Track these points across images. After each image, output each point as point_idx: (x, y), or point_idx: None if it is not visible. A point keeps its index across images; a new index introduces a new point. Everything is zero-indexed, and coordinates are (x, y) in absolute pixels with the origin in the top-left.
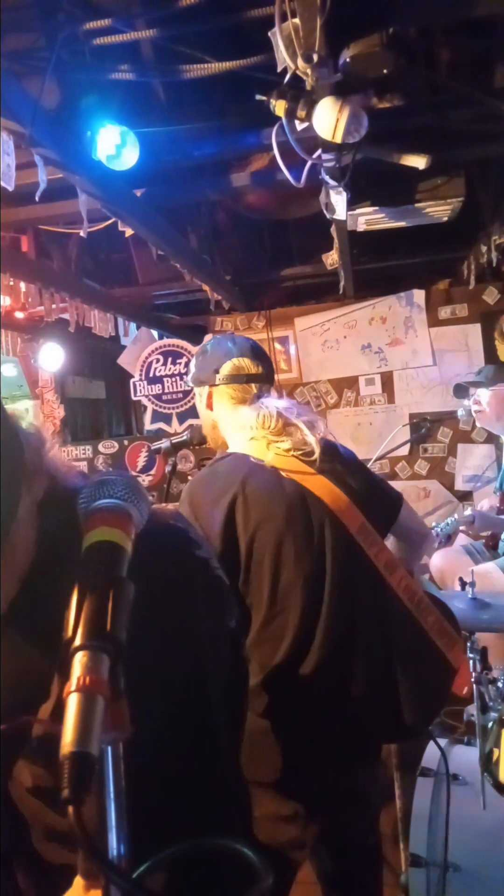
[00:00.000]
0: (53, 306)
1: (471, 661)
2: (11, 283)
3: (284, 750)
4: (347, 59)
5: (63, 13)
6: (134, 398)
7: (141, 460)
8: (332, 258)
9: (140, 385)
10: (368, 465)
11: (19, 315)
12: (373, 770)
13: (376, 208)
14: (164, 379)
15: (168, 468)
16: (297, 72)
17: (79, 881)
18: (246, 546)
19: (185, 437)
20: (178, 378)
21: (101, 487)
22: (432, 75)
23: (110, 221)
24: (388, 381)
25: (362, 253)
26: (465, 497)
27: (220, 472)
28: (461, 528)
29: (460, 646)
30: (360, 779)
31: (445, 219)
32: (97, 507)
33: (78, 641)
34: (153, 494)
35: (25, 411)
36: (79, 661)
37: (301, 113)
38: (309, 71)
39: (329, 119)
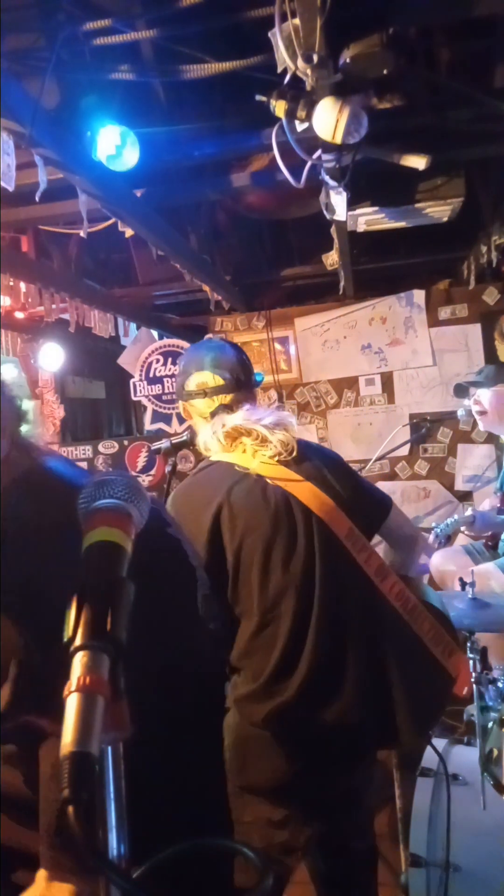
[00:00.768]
0: (53, 306)
1: (471, 661)
2: (11, 283)
3: (276, 756)
4: (347, 60)
5: (63, 13)
6: (134, 398)
7: (141, 460)
8: (332, 258)
9: (140, 385)
10: (368, 465)
11: (19, 315)
12: (366, 774)
13: (376, 208)
14: (164, 379)
15: (168, 468)
16: (297, 72)
17: (42, 874)
18: (233, 555)
19: (185, 438)
20: None
21: (101, 487)
22: (432, 75)
23: (110, 221)
24: (388, 381)
25: (362, 253)
26: (465, 497)
27: (204, 480)
28: (461, 528)
29: (459, 654)
30: (353, 783)
31: (445, 219)
32: (97, 507)
33: (78, 641)
34: (153, 494)
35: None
36: (79, 661)
37: (301, 113)
38: (309, 71)
39: (329, 119)
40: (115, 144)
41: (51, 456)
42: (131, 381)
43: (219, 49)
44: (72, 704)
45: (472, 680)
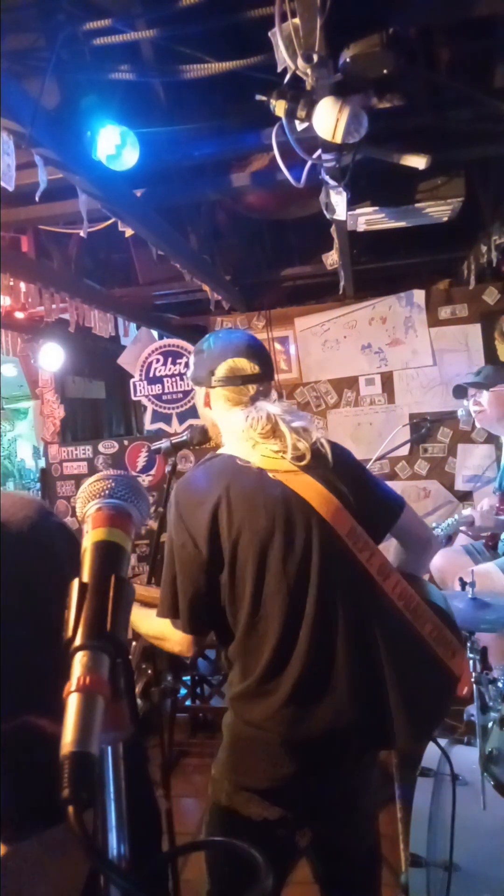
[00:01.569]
0: (53, 306)
1: (471, 661)
2: (11, 283)
3: (270, 756)
4: (347, 59)
5: (63, 13)
6: (134, 398)
7: (141, 460)
8: (332, 258)
9: (140, 385)
10: (368, 466)
11: (19, 315)
12: (365, 776)
13: (376, 208)
14: (164, 379)
15: (168, 468)
16: (297, 72)
17: None
18: (230, 549)
19: (185, 437)
20: (178, 378)
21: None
22: (432, 75)
23: (110, 221)
24: (388, 381)
25: (362, 253)
26: (465, 497)
27: (206, 473)
28: (461, 528)
29: (462, 655)
30: (350, 785)
31: (445, 219)
32: (97, 506)
33: (78, 641)
34: (153, 494)
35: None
36: (79, 661)
37: (301, 113)
38: (309, 71)
39: (329, 119)
40: (115, 144)
41: None
42: (131, 381)
43: (219, 49)
44: (72, 704)
45: (472, 680)
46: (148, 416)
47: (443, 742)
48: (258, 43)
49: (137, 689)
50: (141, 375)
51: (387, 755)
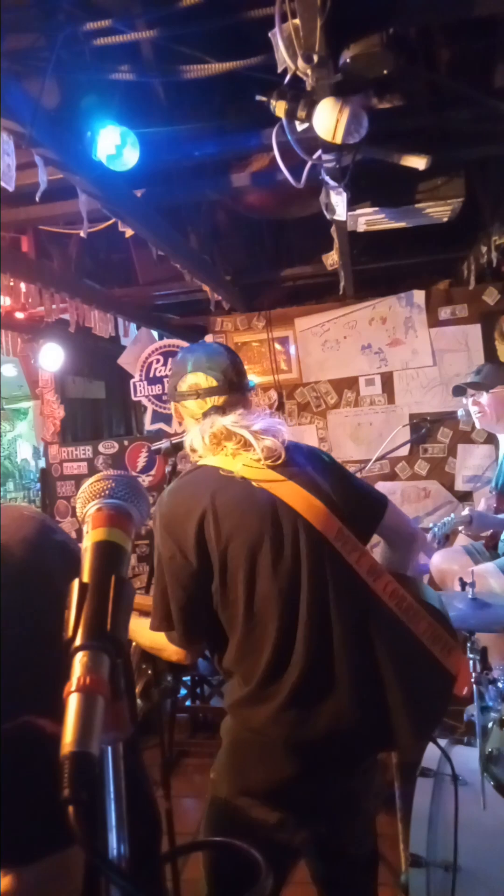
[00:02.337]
0: (53, 306)
1: (471, 661)
2: (11, 283)
3: (270, 760)
4: (347, 60)
5: (63, 13)
6: (134, 398)
7: (141, 460)
8: (332, 258)
9: (140, 385)
10: (368, 466)
11: (19, 315)
12: (365, 779)
13: (376, 208)
14: (164, 379)
15: (168, 468)
16: (297, 72)
17: None
18: (219, 560)
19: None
20: None
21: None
22: (432, 75)
23: (110, 222)
24: (388, 381)
25: (362, 253)
26: (465, 497)
27: (189, 486)
28: (460, 528)
29: (458, 652)
30: (350, 788)
31: (445, 219)
32: (97, 506)
33: (78, 641)
34: (153, 494)
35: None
36: (79, 661)
37: (301, 113)
38: (309, 71)
39: (329, 119)
40: (115, 144)
41: None
42: (131, 381)
43: (219, 49)
44: (72, 704)
45: (472, 680)
46: (148, 417)
47: (443, 742)
48: (258, 43)
49: (137, 689)
50: (141, 376)
51: (387, 755)
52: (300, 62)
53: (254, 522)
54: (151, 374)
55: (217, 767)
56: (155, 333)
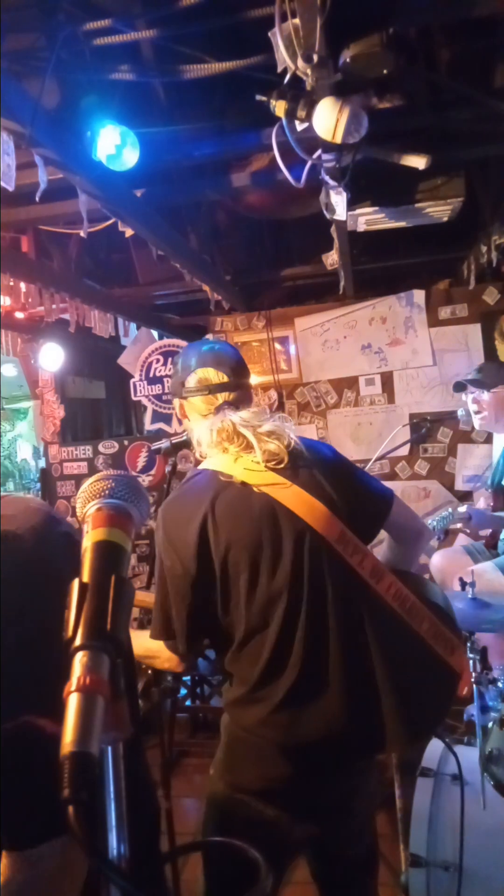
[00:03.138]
0: (53, 306)
1: (471, 661)
2: (11, 283)
3: (264, 760)
4: (347, 59)
5: (63, 13)
6: (134, 398)
7: (141, 460)
8: (332, 258)
9: (140, 385)
10: (368, 466)
11: (19, 315)
12: (361, 781)
13: (376, 208)
14: (164, 379)
15: (168, 468)
16: (297, 72)
17: None
18: (220, 566)
19: (185, 438)
20: None
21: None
22: (432, 75)
23: (110, 222)
24: (388, 381)
25: (362, 253)
26: (465, 497)
27: (190, 492)
28: (459, 526)
29: (461, 651)
30: (345, 789)
31: (445, 219)
32: (97, 506)
33: (78, 641)
34: (153, 494)
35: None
36: (79, 661)
37: (301, 113)
38: (309, 71)
39: (329, 119)
40: (115, 144)
41: None
42: (131, 381)
43: (219, 49)
44: (72, 704)
45: (472, 680)
46: (148, 417)
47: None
48: (258, 43)
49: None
50: (141, 375)
51: (386, 756)
52: (300, 62)
53: (253, 527)
54: (151, 374)
55: (215, 763)
56: (155, 333)
